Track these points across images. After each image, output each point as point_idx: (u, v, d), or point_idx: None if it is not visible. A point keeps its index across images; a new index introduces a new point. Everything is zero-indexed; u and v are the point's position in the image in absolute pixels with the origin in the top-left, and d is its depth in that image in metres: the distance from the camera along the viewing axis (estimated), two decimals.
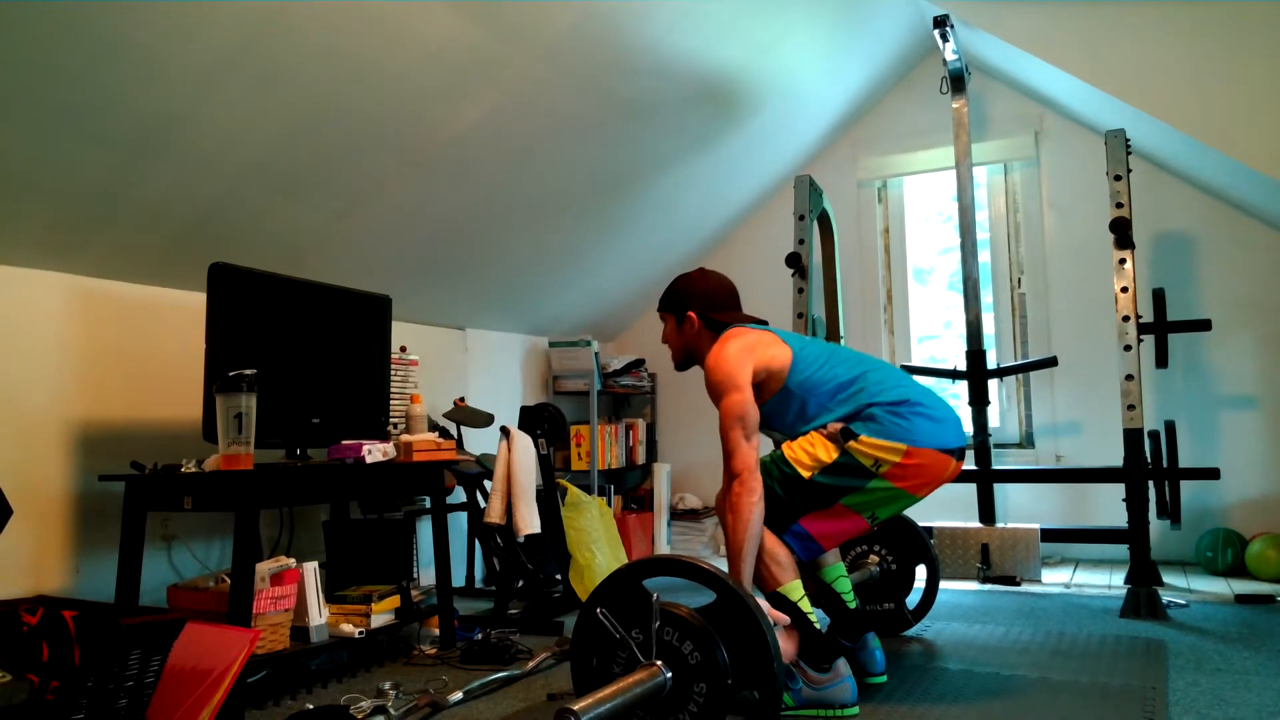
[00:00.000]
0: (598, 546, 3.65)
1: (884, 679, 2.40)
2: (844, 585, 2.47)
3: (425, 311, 3.99)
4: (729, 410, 2.25)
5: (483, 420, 3.70)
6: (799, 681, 2.15)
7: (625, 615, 1.87)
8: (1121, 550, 3.61)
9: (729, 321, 2.48)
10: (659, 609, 1.83)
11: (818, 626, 2.18)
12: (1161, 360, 3.85)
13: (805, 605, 2.18)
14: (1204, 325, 3.69)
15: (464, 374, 4.30)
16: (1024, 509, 4.39)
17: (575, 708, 1.55)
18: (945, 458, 2.25)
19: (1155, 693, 2.23)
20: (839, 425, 2.24)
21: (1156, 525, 3.59)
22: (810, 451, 2.26)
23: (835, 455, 2.22)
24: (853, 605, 2.45)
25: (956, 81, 4.22)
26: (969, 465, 4.12)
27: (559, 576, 3.51)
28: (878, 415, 2.23)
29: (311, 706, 2.26)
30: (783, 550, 2.21)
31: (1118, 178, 3.42)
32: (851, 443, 2.21)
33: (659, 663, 1.81)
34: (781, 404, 2.36)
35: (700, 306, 2.50)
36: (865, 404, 2.25)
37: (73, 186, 2.42)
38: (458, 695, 2.29)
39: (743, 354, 2.32)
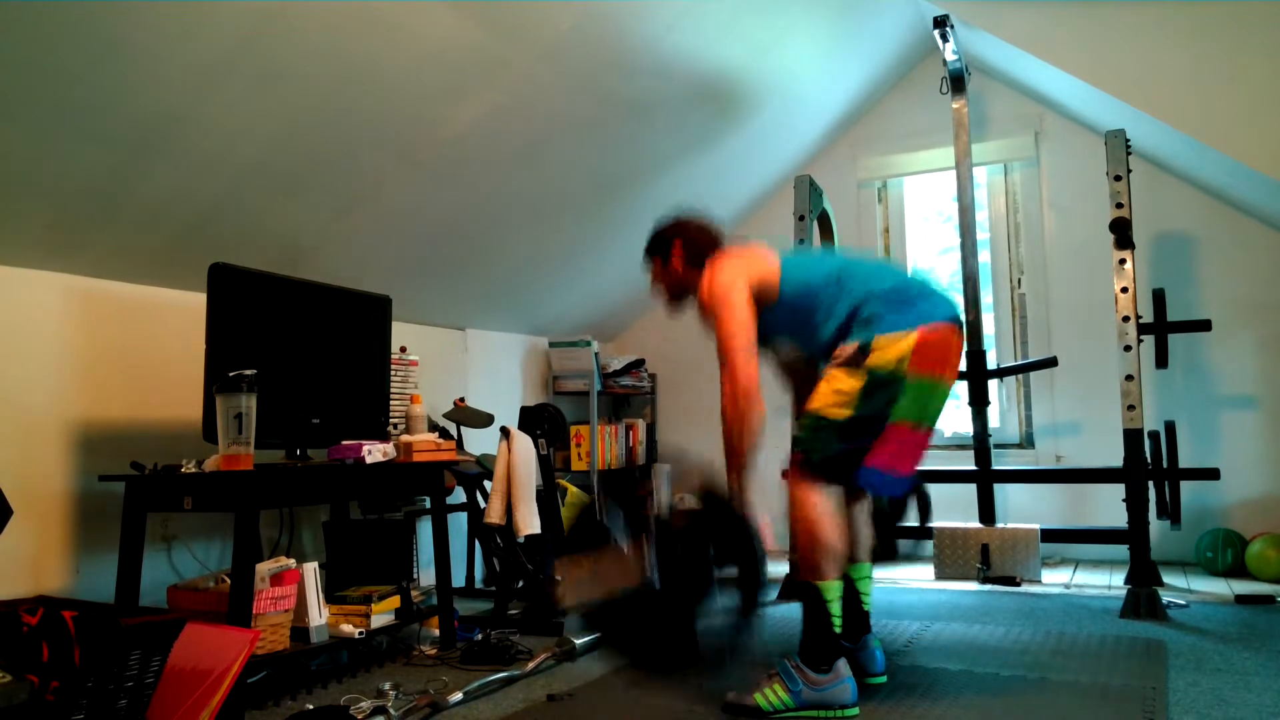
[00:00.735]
0: None
1: (884, 679, 2.39)
2: (866, 586, 2.45)
3: (425, 311, 3.99)
4: (725, 325, 2.26)
5: (483, 420, 3.70)
6: (799, 683, 2.14)
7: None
8: (1121, 550, 3.60)
9: (709, 253, 2.48)
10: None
11: (836, 630, 2.15)
12: (1161, 360, 3.85)
13: (835, 609, 2.16)
14: (1204, 325, 3.69)
15: (464, 374, 4.30)
16: (1024, 509, 4.39)
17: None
18: (950, 328, 2.23)
19: (1155, 693, 2.23)
20: (853, 346, 2.20)
21: (1156, 525, 3.59)
22: (838, 390, 2.20)
23: (862, 380, 2.17)
24: (866, 607, 2.42)
25: (956, 81, 4.22)
26: (969, 465, 4.12)
27: (559, 577, 3.50)
28: (880, 311, 2.20)
29: (311, 707, 2.26)
30: (841, 546, 2.18)
31: (1118, 178, 3.42)
32: (870, 357, 2.16)
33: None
34: (786, 313, 2.34)
35: (684, 233, 2.52)
36: (863, 297, 2.23)
37: (73, 186, 2.42)
38: (458, 696, 2.29)
39: (736, 268, 2.31)
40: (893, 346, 2.16)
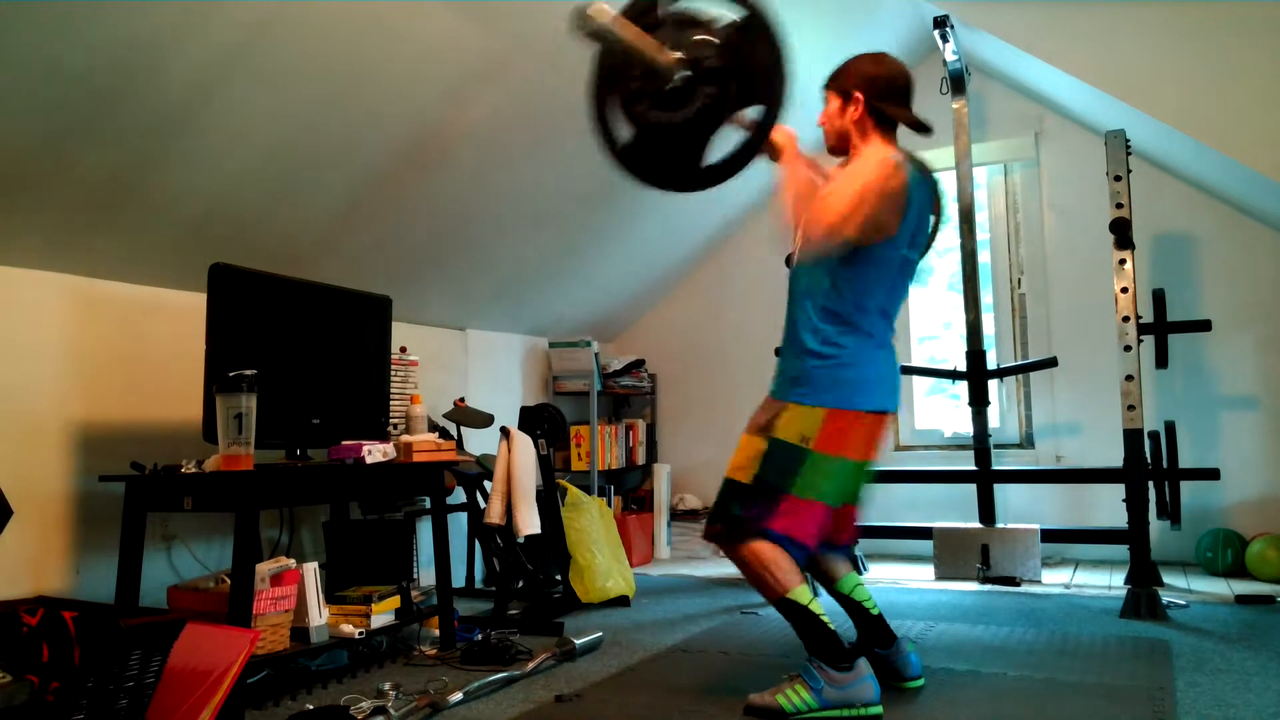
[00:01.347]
0: (598, 547, 3.64)
1: (922, 682, 2.35)
2: (862, 593, 2.42)
3: (425, 312, 3.99)
4: (823, 234, 2.18)
5: (483, 421, 3.70)
6: (821, 682, 2.11)
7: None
8: (1121, 550, 3.60)
9: (894, 122, 2.29)
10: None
11: (830, 626, 2.15)
12: (1161, 361, 3.85)
13: (816, 607, 2.15)
14: (1204, 326, 3.69)
15: (464, 374, 4.30)
16: (1024, 509, 4.39)
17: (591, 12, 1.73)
18: (875, 419, 2.23)
19: (1163, 693, 2.23)
20: (768, 418, 2.22)
21: (1156, 526, 3.59)
22: (744, 455, 2.24)
23: (764, 445, 2.20)
24: (875, 612, 2.39)
25: (956, 82, 4.22)
26: (969, 465, 4.12)
27: (559, 577, 3.50)
28: (815, 373, 2.20)
29: (311, 707, 2.26)
30: (783, 555, 2.16)
31: (1118, 178, 3.42)
32: (777, 424, 2.19)
33: (678, 54, 1.91)
34: (829, 271, 2.22)
35: (871, 93, 2.27)
36: (842, 356, 2.20)
37: (73, 186, 2.42)
38: (458, 696, 2.29)
39: (883, 202, 2.14)
40: (800, 419, 2.19)
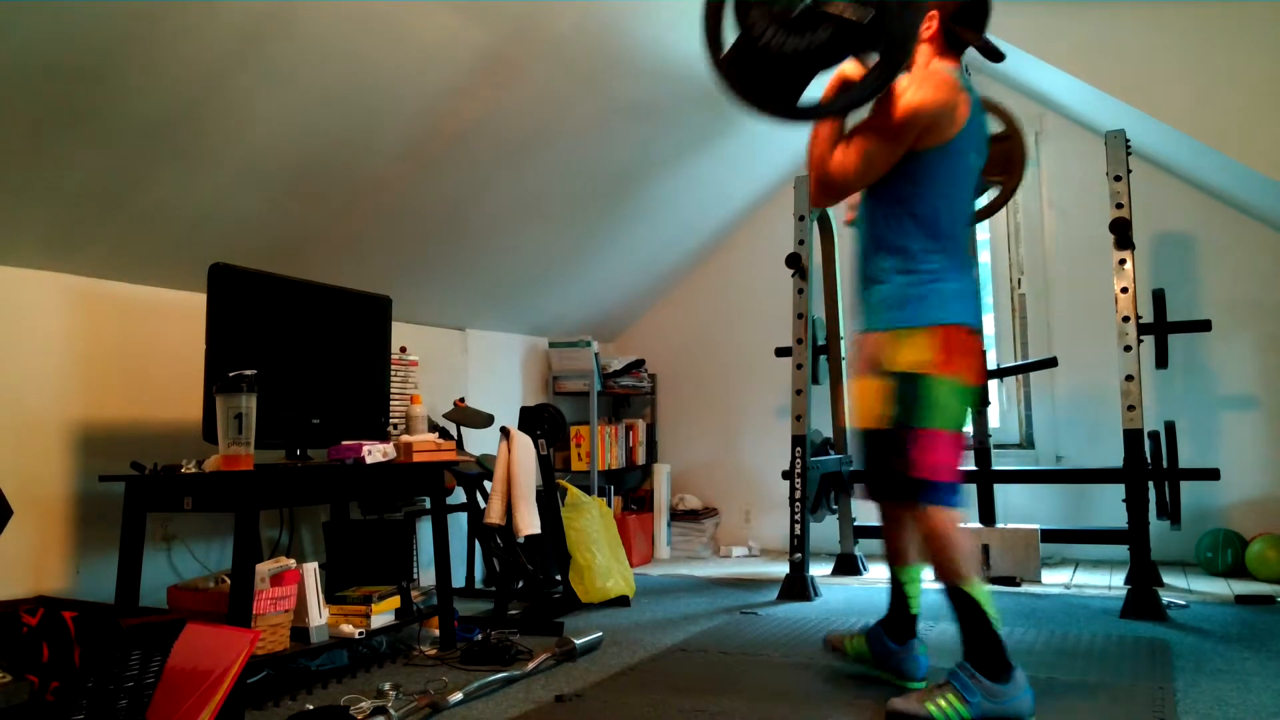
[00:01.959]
0: (598, 547, 3.64)
1: (924, 684, 2.29)
2: (914, 590, 2.38)
3: (425, 312, 3.99)
4: (866, 147, 2.11)
5: (483, 421, 3.70)
6: (977, 693, 2.01)
7: None
8: (1121, 550, 3.60)
9: (962, 47, 2.23)
10: None
11: (998, 631, 2.06)
12: (1161, 361, 3.85)
13: (991, 610, 2.06)
14: (1204, 326, 3.69)
15: (464, 374, 4.30)
16: (1024, 509, 4.39)
17: None
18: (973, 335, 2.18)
19: (1163, 693, 2.23)
20: (878, 352, 2.14)
21: (1156, 526, 3.58)
22: (870, 399, 2.16)
23: (886, 384, 2.12)
24: (914, 612, 2.36)
25: None
26: (969, 465, 4.12)
27: (559, 577, 3.50)
28: (910, 291, 2.14)
29: (311, 707, 2.26)
30: (969, 542, 2.09)
31: (1118, 178, 3.42)
32: (891, 355, 2.11)
33: None
34: (901, 179, 2.16)
35: (947, 11, 2.20)
36: (934, 271, 2.14)
37: (73, 186, 2.42)
38: (458, 696, 2.29)
39: (948, 95, 2.10)
40: (910, 345, 2.12)
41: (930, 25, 2.22)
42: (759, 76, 2.02)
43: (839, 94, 2.14)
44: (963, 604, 2.08)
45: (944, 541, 2.09)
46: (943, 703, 2.03)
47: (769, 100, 2.04)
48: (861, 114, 2.17)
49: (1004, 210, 4.66)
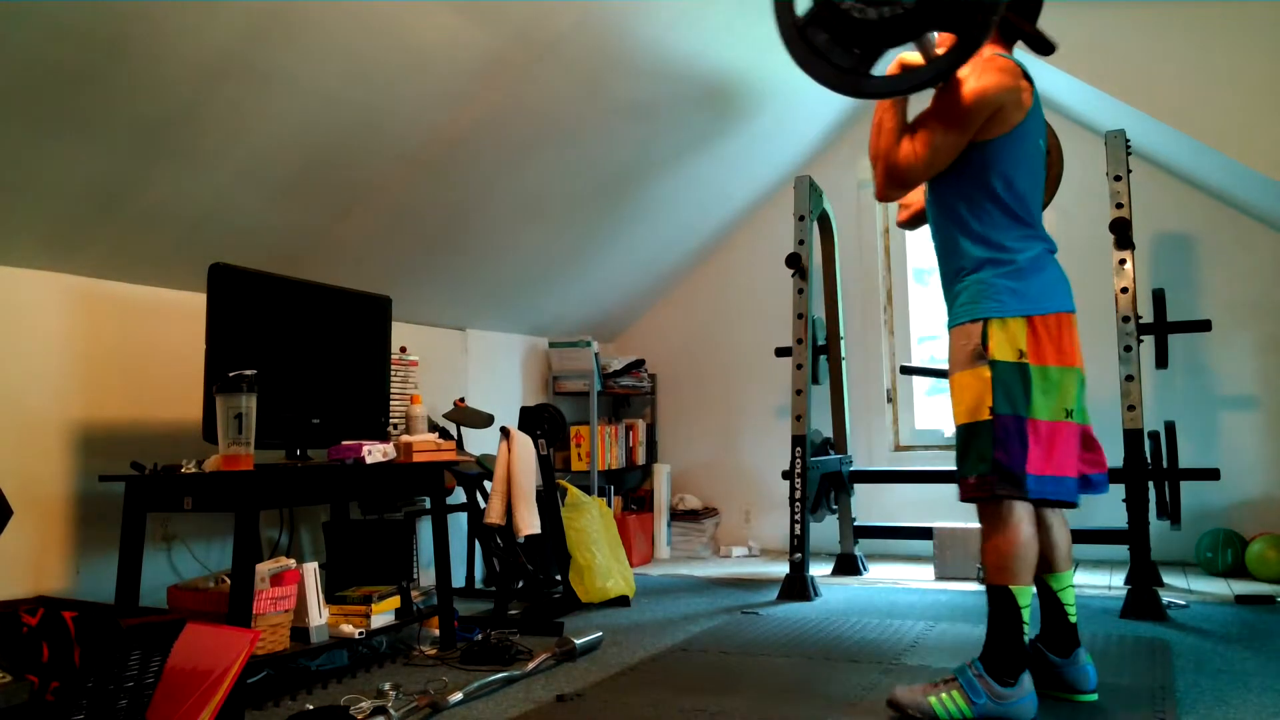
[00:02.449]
0: (598, 547, 3.64)
1: (1095, 696, 2.20)
2: (1069, 596, 2.26)
3: (425, 312, 3.99)
4: (932, 139, 2.11)
5: (483, 421, 3.70)
6: (983, 694, 2.01)
7: None
8: (1121, 550, 3.60)
9: (1016, 35, 2.22)
10: None
11: (1025, 638, 2.04)
12: (1161, 361, 3.85)
13: (1026, 615, 2.04)
14: (1204, 326, 3.69)
15: (464, 374, 4.30)
16: None
17: None
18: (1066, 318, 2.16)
19: (1163, 693, 2.23)
20: (975, 343, 2.10)
21: (1156, 526, 3.58)
22: (969, 392, 2.11)
23: (988, 373, 2.07)
24: (1073, 619, 2.25)
25: None
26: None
27: (559, 577, 3.50)
28: (999, 282, 2.12)
29: (311, 707, 2.26)
30: (1035, 545, 2.07)
31: (1118, 178, 3.42)
32: (989, 346, 2.07)
33: None
34: (967, 164, 2.15)
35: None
36: (1027, 258, 2.13)
37: (73, 186, 2.42)
38: (458, 696, 2.29)
39: (1010, 80, 2.09)
40: (1006, 334, 2.09)
41: None
42: (832, 42, 1.98)
43: (905, 74, 2.10)
44: (1003, 604, 2.05)
45: (1010, 539, 2.06)
46: (946, 699, 2.03)
47: (838, 69, 2.00)
48: (923, 105, 2.16)
49: None
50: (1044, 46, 2.23)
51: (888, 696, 2.12)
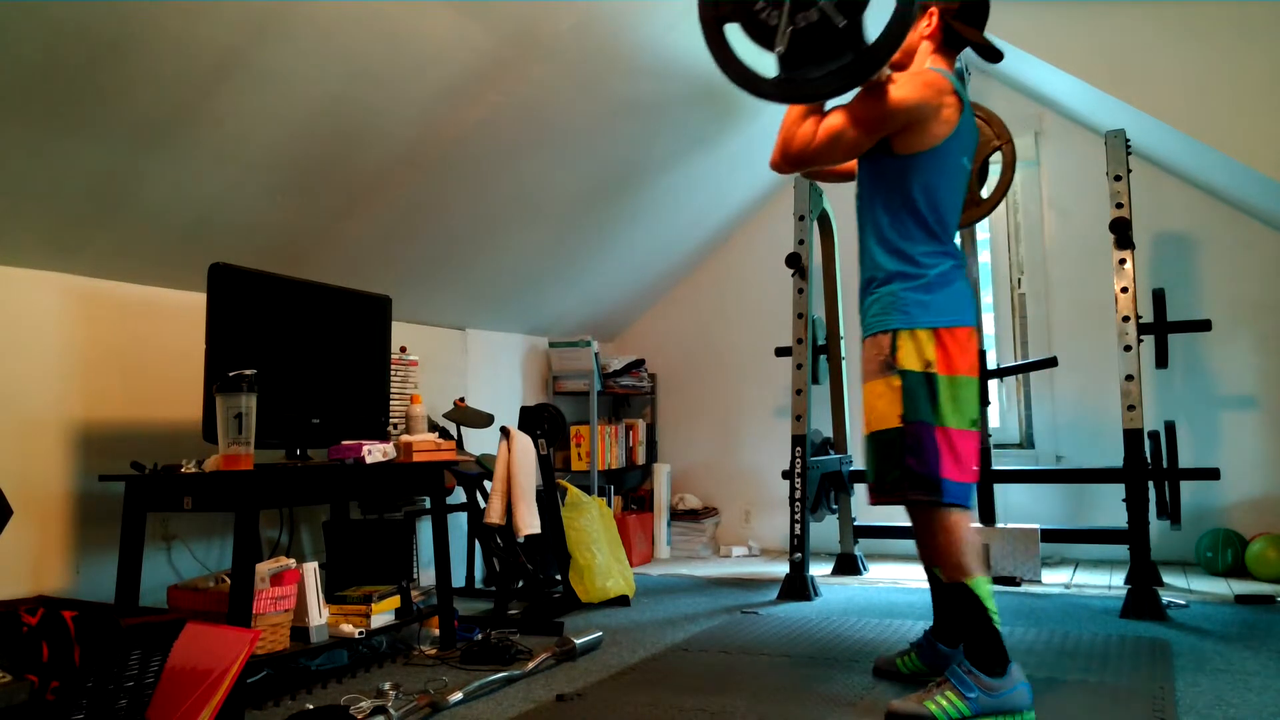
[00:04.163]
0: (598, 546, 3.64)
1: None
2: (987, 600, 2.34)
3: (425, 311, 3.99)
4: (837, 127, 2.13)
5: (483, 421, 3.70)
6: (975, 689, 2.04)
7: None
8: (1121, 550, 3.61)
9: (959, 45, 2.27)
10: None
11: (998, 628, 2.08)
12: (1161, 360, 3.85)
13: (991, 605, 2.08)
14: (1204, 325, 3.69)
15: (464, 374, 4.30)
16: (1024, 509, 4.39)
17: None
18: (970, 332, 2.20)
19: (1163, 693, 2.23)
20: (885, 354, 2.15)
21: (1156, 525, 3.58)
22: (881, 401, 2.17)
23: (898, 382, 2.13)
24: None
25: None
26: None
27: (559, 577, 3.51)
28: (909, 295, 2.16)
29: (311, 707, 2.26)
30: (977, 537, 2.12)
31: (1118, 178, 3.42)
32: (897, 356, 2.13)
33: None
34: (894, 179, 2.19)
35: (947, 9, 2.23)
36: (937, 273, 2.17)
37: (73, 186, 2.42)
38: (458, 695, 2.29)
39: (934, 95, 2.13)
40: (915, 345, 2.14)
41: (931, 21, 2.25)
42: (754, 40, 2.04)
43: (789, 82, 2.09)
44: (966, 600, 2.10)
45: (953, 537, 2.11)
46: (943, 701, 2.04)
47: (738, 67, 2.07)
48: (848, 96, 2.18)
49: (1004, 210, 4.67)
50: (992, 55, 2.27)
51: (886, 710, 2.12)
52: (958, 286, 2.22)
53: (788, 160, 2.23)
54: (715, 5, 2.08)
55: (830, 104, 2.21)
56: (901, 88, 2.12)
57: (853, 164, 2.46)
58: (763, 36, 2.01)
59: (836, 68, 1.97)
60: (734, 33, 2.06)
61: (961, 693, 2.04)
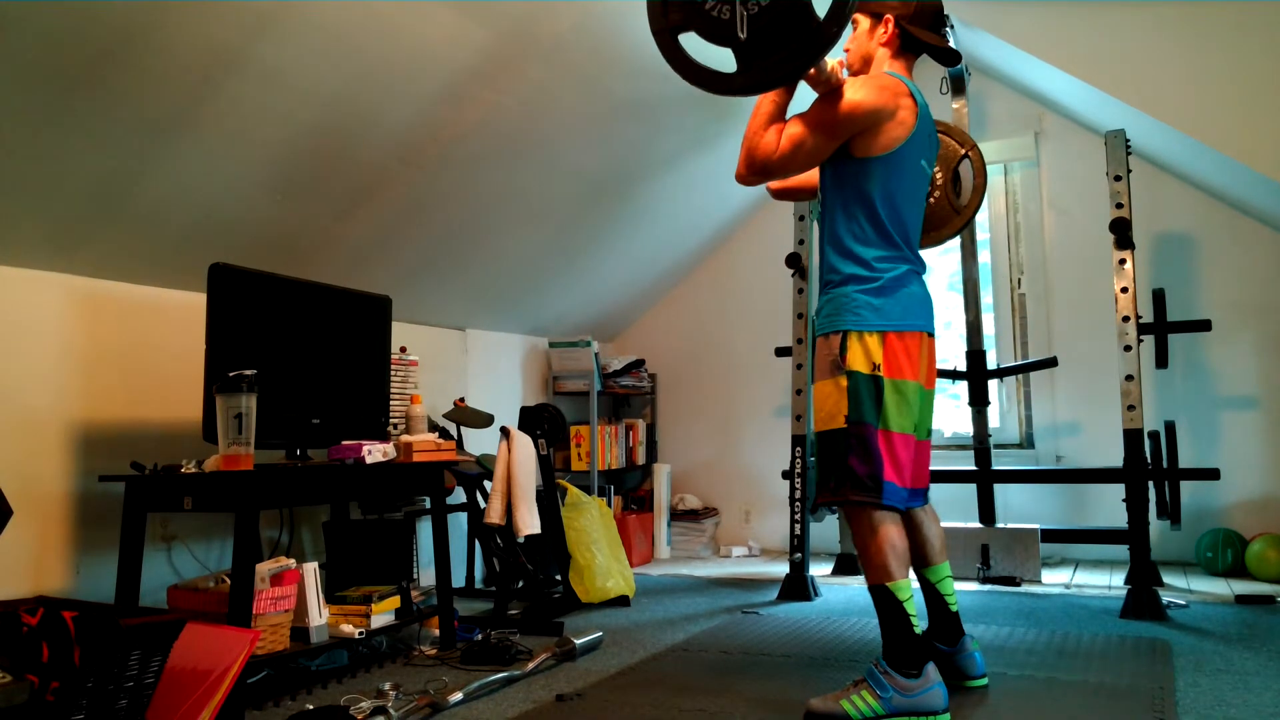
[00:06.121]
0: (598, 547, 3.64)
1: (985, 681, 2.34)
2: (948, 587, 2.39)
3: (425, 311, 3.99)
4: (798, 135, 2.16)
5: (483, 421, 3.70)
6: (889, 689, 2.06)
7: None
8: (1121, 550, 3.61)
9: (917, 51, 2.30)
10: None
11: (917, 631, 2.11)
12: (1161, 361, 3.85)
13: (910, 608, 2.10)
14: (1204, 326, 3.69)
15: (464, 374, 4.30)
16: (1024, 509, 4.39)
17: None
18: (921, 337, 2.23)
19: (1163, 693, 2.23)
20: (835, 354, 2.18)
21: (1156, 525, 3.59)
22: (829, 401, 2.18)
23: (845, 383, 2.15)
24: (954, 609, 2.38)
25: (956, 82, 4.21)
26: (969, 465, 4.12)
27: (559, 577, 3.50)
28: (861, 297, 2.18)
29: (311, 707, 2.25)
30: (903, 541, 2.15)
31: (1118, 178, 3.42)
32: (846, 358, 2.15)
33: None
34: (850, 182, 2.22)
35: (902, 15, 2.26)
36: (891, 277, 2.19)
37: (73, 186, 2.42)
38: (458, 696, 2.29)
39: (889, 99, 2.15)
40: (863, 347, 2.17)
41: (886, 29, 2.28)
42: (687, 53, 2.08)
43: (758, 70, 2.10)
44: (886, 602, 2.13)
45: (880, 540, 2.13)
46: (858, 700, 2.08)
47: (701, 71, 2.11)
48: (805, 104, 2.21)
49: (1004, 210, 4.67)
50: (949, 58, 2.30)
51: (805, 707, 2.14)
52: (911, 290, 2.24)
53: (753, 170, 2.24)
54: (665, 15, 2.09)
55: (790, 113, 2.24)
56: (858, 91, 2.15)
57: (815, 179, 2.47)
58: (721, 33, 2.01)
59: (798, 44, 1.96)
60: (690, 40, 2.08)
61: (877, 692, 2.08)
